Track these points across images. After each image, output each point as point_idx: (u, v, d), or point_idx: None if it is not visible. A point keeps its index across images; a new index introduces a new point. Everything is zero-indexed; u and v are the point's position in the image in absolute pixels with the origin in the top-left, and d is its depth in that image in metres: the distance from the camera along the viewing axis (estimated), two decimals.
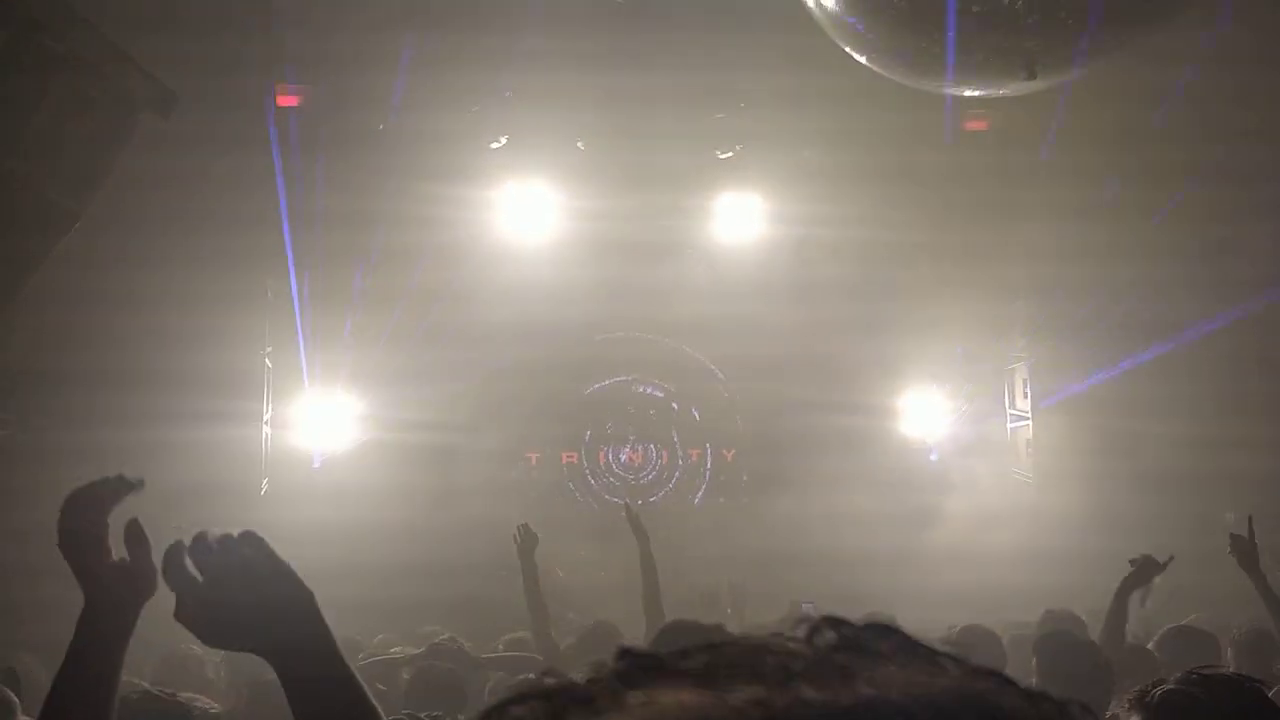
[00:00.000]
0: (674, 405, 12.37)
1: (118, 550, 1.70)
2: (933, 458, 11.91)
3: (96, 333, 8.52)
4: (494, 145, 9.99)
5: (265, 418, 10.45)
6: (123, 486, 1.70)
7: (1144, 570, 4.94)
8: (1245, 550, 4.24)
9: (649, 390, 12.38)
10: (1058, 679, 3.50)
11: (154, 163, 6.68)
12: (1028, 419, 11.60)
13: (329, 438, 10.74)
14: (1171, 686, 1.83)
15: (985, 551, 9.83)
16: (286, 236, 9.84)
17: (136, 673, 4.38)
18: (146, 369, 8.72)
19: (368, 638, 6.87)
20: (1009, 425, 11.87)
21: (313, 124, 9.19)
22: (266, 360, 10.52)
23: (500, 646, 5.60)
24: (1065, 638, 4.12)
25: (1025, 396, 11.61)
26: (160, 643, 4.81)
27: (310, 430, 10.70)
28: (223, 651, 4.71)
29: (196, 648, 5.02)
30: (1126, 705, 1.82)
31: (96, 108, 4.65)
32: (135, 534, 1.65)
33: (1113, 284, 10.35)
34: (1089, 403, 10.70)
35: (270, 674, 1.54)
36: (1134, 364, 10.24)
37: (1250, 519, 4.29)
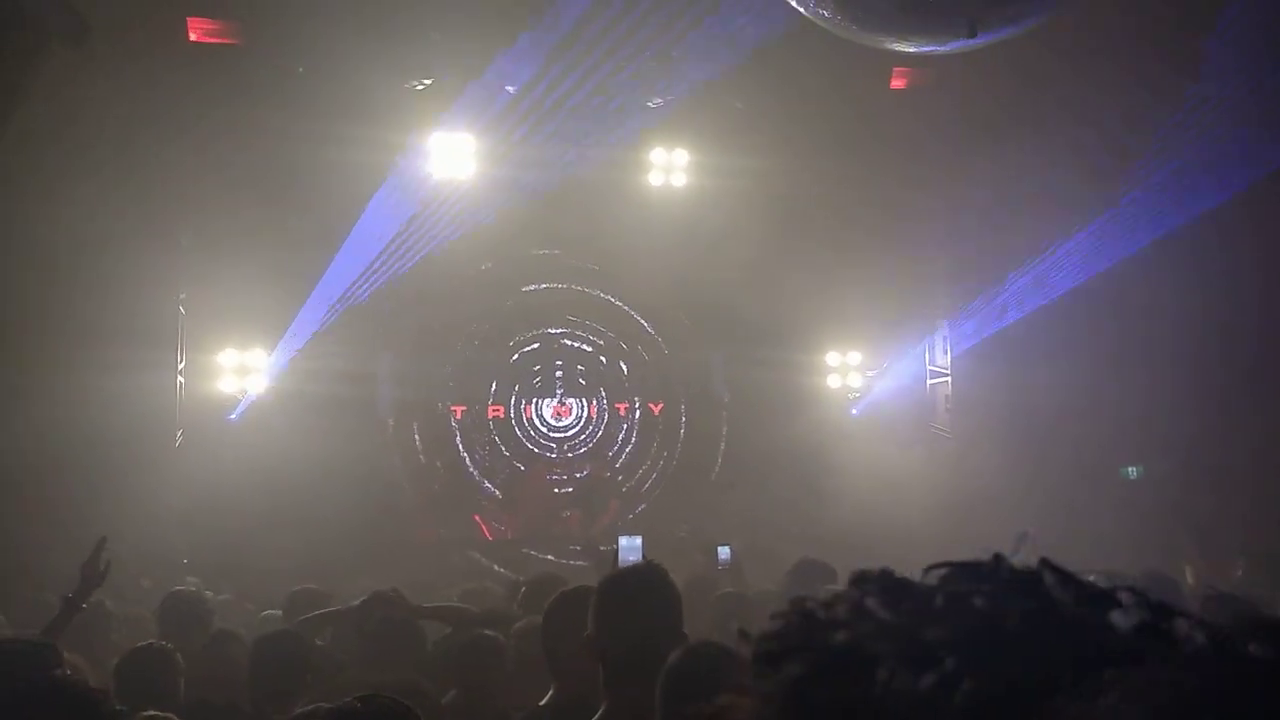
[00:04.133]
0: (602, 359, 12.34)
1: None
2: (854, 413, 12.13)
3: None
4: (417, 86, 9.68)
5: (179, 367, 10.10)
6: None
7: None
8: None
9: (577, 344, 12.31)
10: None
11: (65, 97, 6.32)
12: (947, 375, 11.86)
13: (247, 388, 10.44)
14: None
15: (904, 503, 10.08)
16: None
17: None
18: (56, 316, 8.36)
19: (285, 589, 6.73)
20: (928, 381, 12.13)
21: (232, 63, 8.78)
22: (180, 308, 10.15)
23: (455, 598, 5.55)
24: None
25: (945, 353, 11.87)
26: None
27: (227, 380, 10.38)
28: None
29: (108, 603, 5.02)
30: None
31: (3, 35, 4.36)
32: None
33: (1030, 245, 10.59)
34: (1003, 356, 10.99)
35: None
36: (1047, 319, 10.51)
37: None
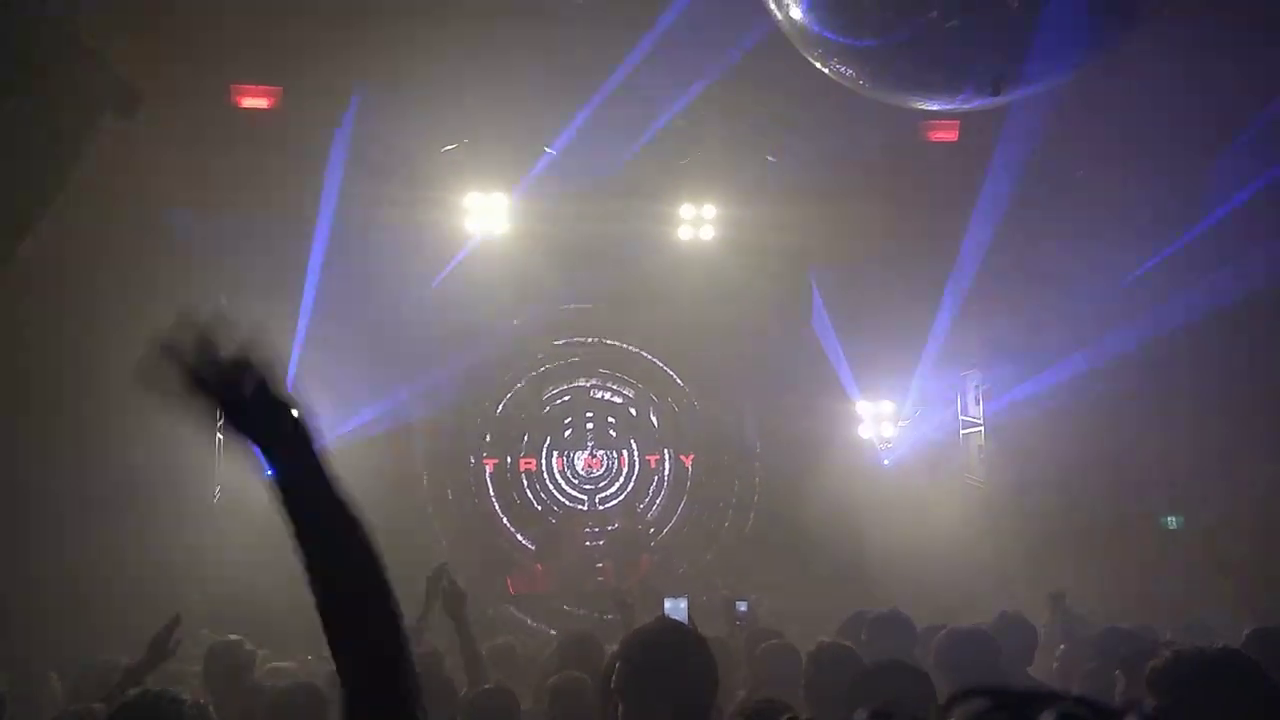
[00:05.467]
0: (633, 411, 12.38)
1: None
2: (886, 463, 12.06)
3: (44, 328, 8.32)
4: (449, 148, 9.89)
5: (218, 423, 10.23)
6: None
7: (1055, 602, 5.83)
8: None
9: (608, 396, 12.38)
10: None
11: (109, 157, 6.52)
12: (980, 425, 11.78)
13: None
14: None
15: (938, 556, 9.97)
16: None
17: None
18: (96, 368, 8.53)
19: (319, 644, 6.76)
20: (961, 431, 12.05)
21: (272, 127, 9.02)
22: None
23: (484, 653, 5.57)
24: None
25: (978, 403, 11.79)
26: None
27: None
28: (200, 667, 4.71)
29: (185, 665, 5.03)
30: None
31: (56, 107, 4.54)
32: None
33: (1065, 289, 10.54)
34: (1038, 408, 10.90)
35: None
36: (1083, 367, 10.42)
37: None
